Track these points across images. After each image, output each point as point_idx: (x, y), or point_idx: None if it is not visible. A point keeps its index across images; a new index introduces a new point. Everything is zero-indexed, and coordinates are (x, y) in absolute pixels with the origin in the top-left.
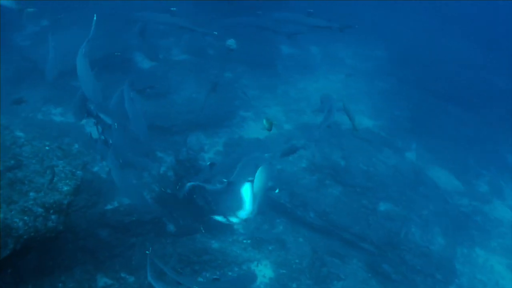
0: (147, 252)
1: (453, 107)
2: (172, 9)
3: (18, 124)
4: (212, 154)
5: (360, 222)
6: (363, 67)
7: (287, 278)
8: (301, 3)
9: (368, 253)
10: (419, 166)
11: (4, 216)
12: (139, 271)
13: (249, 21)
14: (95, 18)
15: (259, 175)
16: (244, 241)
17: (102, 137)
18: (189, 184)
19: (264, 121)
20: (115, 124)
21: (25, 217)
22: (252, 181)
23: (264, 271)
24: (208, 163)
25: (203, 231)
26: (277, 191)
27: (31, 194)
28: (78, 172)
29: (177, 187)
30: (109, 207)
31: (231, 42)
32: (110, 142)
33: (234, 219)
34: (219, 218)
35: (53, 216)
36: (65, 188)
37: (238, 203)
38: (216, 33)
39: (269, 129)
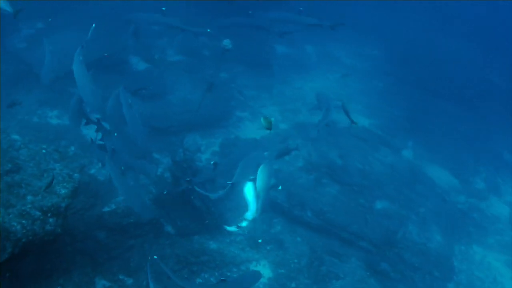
0: (155, 257)
1: (450, 105)
2: (162, 9)
3: (13, 127)
4: (209, 154)
5: (358, 221)
6: (361, 67)
7: (285, 277)
8: (301, 3)
9: (366, 251)
10: (416, 164)
11: (2, 219)
12: (138, 273)
13: (240, 21)
14: (93, 26)
15: (261, 174)
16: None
17: (102, 142)
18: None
19: (262, 120)
20: (115, 132)
21: (23, 221)
22: (254, 180)
23: (262, 271)
24: (212, 162)
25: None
26: (280, 187)
27: (29, 197)
28: (75, 174)
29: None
30: (106, 209)
31: (226, 42)
32: (110, 147)
33: (243, 224)
34: (231, 228)
35: (51, 219)
36: (63, 191)
37: (243, 205)
38: (209, 30)
39: (269, 128)
